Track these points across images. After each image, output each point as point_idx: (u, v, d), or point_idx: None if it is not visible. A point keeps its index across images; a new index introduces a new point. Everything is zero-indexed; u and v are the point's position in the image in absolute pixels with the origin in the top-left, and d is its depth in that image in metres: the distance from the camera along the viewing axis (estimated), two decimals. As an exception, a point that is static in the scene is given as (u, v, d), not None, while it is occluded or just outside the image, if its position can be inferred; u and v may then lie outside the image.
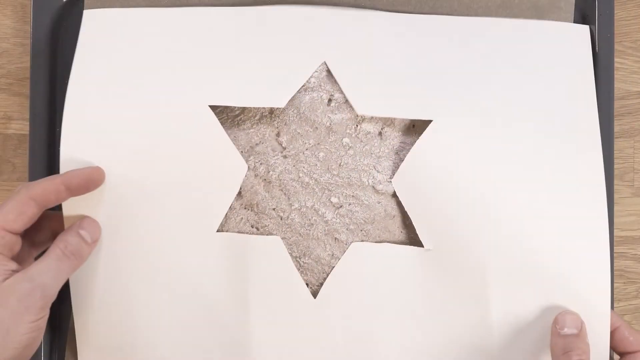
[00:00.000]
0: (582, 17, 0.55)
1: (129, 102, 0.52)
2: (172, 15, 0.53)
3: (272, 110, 0.53)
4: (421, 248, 0.53)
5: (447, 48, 0.53)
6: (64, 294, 0.53)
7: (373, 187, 0.54)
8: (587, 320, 0.50)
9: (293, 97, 0.53)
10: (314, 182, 0.53)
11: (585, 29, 0.54)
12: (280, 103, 0.52)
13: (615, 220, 0.56)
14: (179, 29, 0.53)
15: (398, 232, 0.54)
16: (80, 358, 0.53)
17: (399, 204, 0.54)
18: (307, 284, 0.53)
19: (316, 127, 0.54)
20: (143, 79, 0.52)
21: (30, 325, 0.43)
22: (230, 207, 0.53)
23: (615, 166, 0.56)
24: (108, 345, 0.53)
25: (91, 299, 0.52)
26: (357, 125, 0.54)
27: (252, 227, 0.54)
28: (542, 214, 0.52)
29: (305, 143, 0.54)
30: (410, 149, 0.54)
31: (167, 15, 0.53)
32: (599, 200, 0.51)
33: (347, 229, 0.53)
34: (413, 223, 0.53)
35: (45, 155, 0.53)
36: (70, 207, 0.51)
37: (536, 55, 0.53)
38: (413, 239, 0.54)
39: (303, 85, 0.53)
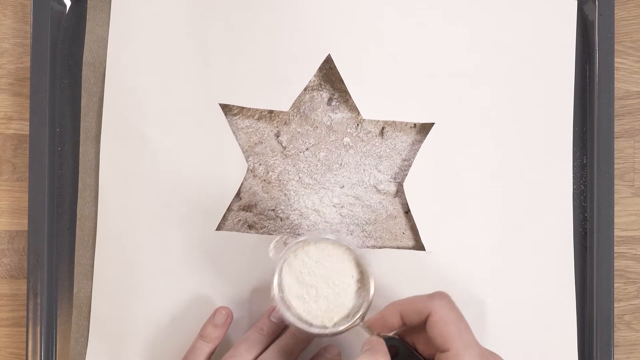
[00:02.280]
0: (582, 17, 0.55)
1: (153, 90, 0.53)
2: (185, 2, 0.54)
3: (271, 110, 0.53)
4: (421, 252, 0.53)
5: (450, 45, 0.54)
6: (55, 290, 0.53)
7: (375, 187, 0.53)
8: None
9: (293, 96, 0.53)
10: (314, 182, 0.53)
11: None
12: (284, 106, 0.53)
13: (616, 220, 0.56)
14: (191, 12, 0.53)
15: (400, 233, 0.54)
16: (90, 341, 0.54)
17: (401, 205, 0.54)
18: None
19: (316, 127, 0.54)
20: (159, 69, 0.53)
21: None
22: (228, 208, 0.53)
23: (615, 166, 0.56)
24: (114, 332, 0.53)
25: (102, 287, 0.53)
26: (357, 125, 0.54)
27: (250, 228, 0.53)
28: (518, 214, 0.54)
29: (306, 143, 0.53)
30: (411, 148, 0.54)
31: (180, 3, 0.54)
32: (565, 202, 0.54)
33: (348, 230, 0.53)
34: (417, 226, 0.53)
35: (45, 155, 0.53)
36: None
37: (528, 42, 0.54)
38: (414, 240, 0.54)
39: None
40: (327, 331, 0.45)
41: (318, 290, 0.46)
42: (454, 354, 0.40)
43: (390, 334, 0.44)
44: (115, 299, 0.53)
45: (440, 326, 0.41)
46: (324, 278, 0.46)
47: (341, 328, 0.45)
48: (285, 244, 0.47)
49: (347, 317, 0.45)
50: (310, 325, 0.45)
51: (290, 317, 0.45)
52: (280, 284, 0.46)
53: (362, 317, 0.45)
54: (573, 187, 0.54)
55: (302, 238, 0.46)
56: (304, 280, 0.46)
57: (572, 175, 0.54)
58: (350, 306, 0.46)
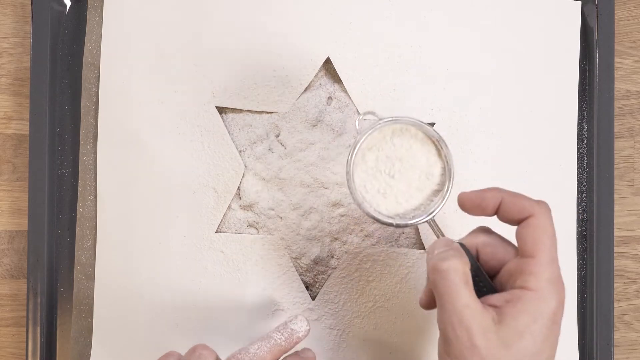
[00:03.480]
0: (582, 17, 0.55)
1: (147, 93, 0.53)
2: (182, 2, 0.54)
3: (271, 110, 0.53)
4: (421, 251, 0.53)
5: (450, 46, 0.54)
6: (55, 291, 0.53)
7: (374, 186, 0.53)
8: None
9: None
10: (313, 181, 0.53)
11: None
12: (284, 106, 0.53)
13: (615, 220, 0.56)
14: (189, 12, 0.53)
15: (399, 232, 0.54)
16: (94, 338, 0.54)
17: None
18: (306, 287, 0.53)
19: (316, 127, 0.54)
20: (156, 69, 0.53)
21: None
22: (228, 207, 0.53)
23: (616, 166, 0.56)
24: (116, 334, 0.53)
25: (103, 288, 0.53)
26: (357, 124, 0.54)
27: (250, 227, 0.53)
28: None
29: (306, 142, 0.54)
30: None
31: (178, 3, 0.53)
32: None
33: (347, 229, 0.53)
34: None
35: (45, 155, 0.53)
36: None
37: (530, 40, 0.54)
38: (414, 240, 0.54)
39: (303, 85, 0.53)
40: (394, 221, 0.43)
41: (393, 179, 0.44)
42: (538, 262, 0.39)
43: (456, 241, 0.42)
44: (117, 300, 0.53)
45: (537, 232, 0.39)
46: (402, 167, 0.44)
47: (411, 222, 0.43)
48: (372, 119, 0.44)
49: (416, 210, 0.43)
50: (377, 211, 0.43)
51: (358, 197, 0.43)
52: (354, 161, 0.43)
53: (433, 214, 0.43)
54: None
55: (393, 118, 0.44)
56: (380, 164, 0.44)
57: (576, 176, 0.54)
58: (419, 204, 0.44)
